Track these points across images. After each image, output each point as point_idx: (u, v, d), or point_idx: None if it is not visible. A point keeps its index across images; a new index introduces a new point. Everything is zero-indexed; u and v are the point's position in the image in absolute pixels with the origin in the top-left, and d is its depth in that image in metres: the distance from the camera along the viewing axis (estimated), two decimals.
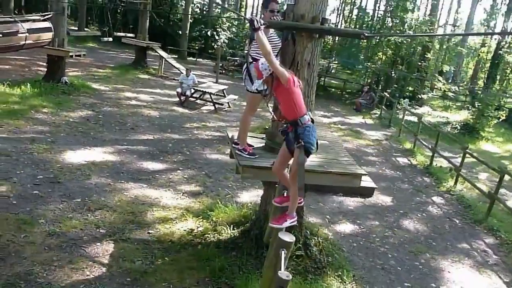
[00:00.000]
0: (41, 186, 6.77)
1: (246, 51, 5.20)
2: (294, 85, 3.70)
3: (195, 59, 28.07)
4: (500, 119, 19.06)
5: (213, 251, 5.56)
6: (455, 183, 10.51)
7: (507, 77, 29.13)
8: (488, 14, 38.85)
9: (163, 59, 20.30)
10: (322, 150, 5.66)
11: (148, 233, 5.96)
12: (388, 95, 19.49)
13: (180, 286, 4.93)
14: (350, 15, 42.22)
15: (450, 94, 25.89)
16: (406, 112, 16.72)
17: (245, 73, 4.87)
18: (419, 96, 23.83)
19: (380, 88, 22.65)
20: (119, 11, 29.34)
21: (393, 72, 22.70)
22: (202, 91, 14.99)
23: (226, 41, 30.85)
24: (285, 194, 4.15)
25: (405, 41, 22.16)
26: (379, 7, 32.40)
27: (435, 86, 28.15)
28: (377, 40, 24.13)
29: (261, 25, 3.75)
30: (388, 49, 23.14)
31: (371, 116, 19.13)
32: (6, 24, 10.97)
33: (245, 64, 4.96)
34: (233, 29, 33.09)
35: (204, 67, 26.02)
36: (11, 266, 4.75)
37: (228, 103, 15.38)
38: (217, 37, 30.72)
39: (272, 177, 4.86)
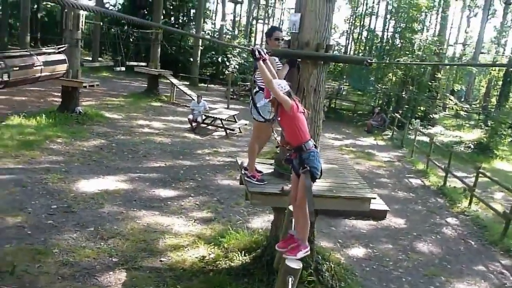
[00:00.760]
0: (55, 215, 6.88)
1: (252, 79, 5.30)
2: (298, 111, 3.73)
3: (206, 85, 28.47)
4: None
5: (224, 278, 5.55)
6: (470, 203, 10.38)
7: None
8: (498, 32, 38.94)
9: (175, 86, 20.65)
10: (331, 174, 5.71)
11: (160, 261, 5.99)
12: (399, 116, 19.48)
13: None
14: (360, 37, 42.63)
15: (462, 113, 25.71)
16: (418, 133, 16.65)
17: (251, 101, 4.97)
18: (431, 116, 23.73)
19: (391, 109, 22.66)
20: (131, 40, 30.07)
21: (403, 93, 22.71)
22: (213, 117, 15.17)
23: (237, 66, 31.30)
24: (290, 233, 4.12)
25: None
26: (387, 28, 32.64)
27: (448, 106, 28.07)
28: (386, 64, 24.27)
29: (263, 55, 3.83)
30: (398, 70, 23.21)
31: (383, 137, 19.09)
32: (22, 58, 11.32)
33: (251, 92, 5.07)
34: (244, 55, 33.58)
35: (215, 93, 26.37)
36: None
37: (239, 128, 15.52)
38: (227, 63, 31.20)
39: (281, 203, 4.90)
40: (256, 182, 4.98)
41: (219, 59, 31.65)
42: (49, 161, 9.50)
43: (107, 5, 36.22)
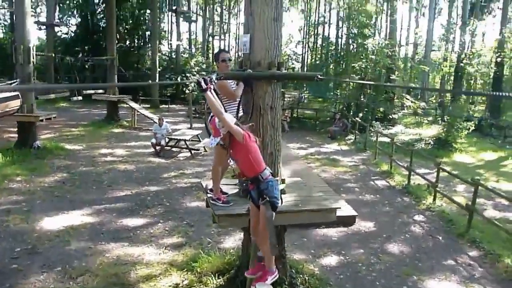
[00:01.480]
0: (19, 259, 6.65)
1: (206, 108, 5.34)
2: (250, 140, 3.74)
3: (167, 106, 28.29)
4: (470, 130, 19.56)
5: None
6: (434, 199, 10.69)
7: (471, 88, 30.20)
8: (445, 30, 40.60)
9: (135, 111, 20.42)
10: (296, 187, 5.77)
11: None
12: (360, 120, 19.91)
13: None
14: (315, 45, 43.47)
15: (419, 111, 26.54)
16: (379, 134, 17.05)
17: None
18: (391, 117, 24.39)
19: (351, 113, 23.14)
20: (87, 67, 29.63)
21: (362, 97, 23.27)
22: (177, 138, 15.08)
23: (196, 85, 31.24)
24: (256, 262, 4.13)
25: (369, 66, 22.86)
26: (341, 35, 33.45)
27: (405, 104, 28.95)
28: (342, 68, 24.89)
29: (209, 83, 3.85)
30: (354, 75, 23.79)
31: (346, 142, 19.45)
32: None
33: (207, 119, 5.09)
34: (203, 73, 33.56)
35: (178, 113, 26.24)
36: None
37: (203, 147, 15.47)
38: (187, 83, 31.11)
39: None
40: (222, 205, 4.98)
41: (178, 79, 31.57)
42: (9, 201, 9.19)
43: (59, 33, 35.57)
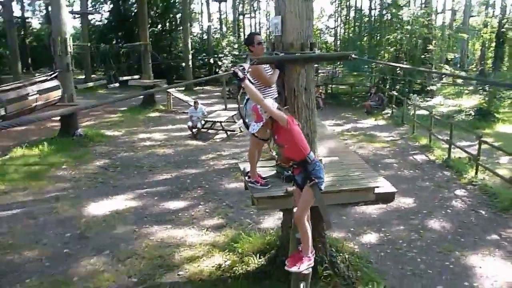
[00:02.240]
0: (70, 244, 7.01)
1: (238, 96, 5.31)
2: (293, 123, 3.73)
3: (202, 88, 28.49)
4: None
5: (243, 284, 5.66)
6: (476, 173, 10.40)
7: None
8: None
9: (171, 95, 20.70)
10: (333, 167, 5.78)
11: (178, 275, 6.09)
12: (396, 93, 19.46)
13: None
14: (348, 18, 42.45)
15: (459, 80, 25.63)
16: (417, 108, 16.62)
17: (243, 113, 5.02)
18: (428, 89, 23.65)
19: (387, 87, 22.61)
20: (121, 54, 30.12)
21: (398, 69, 22.65)
22: (212, 121, 15.25)
23: (230, 65, 31.31)
24: (299, 248, 4.14)
25: (404, 38, 22.18)
26: (374, 7, 32.48)
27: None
28: (377, 41, 24.23)
29: (246, 72, 3.82)
30: (389, 47, 23.14)
31: (383, 116, 19.09)
32: (16, 90, 11.43)
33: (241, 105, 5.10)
34: (235, 52, 33.49)
35: (212, 95, 26.42)
36: None
37: (239, 128, 15.56)
38: (220, 63, 31.21)
39: (288, 204, 4.96)
40: (260, 187, 5.05)
41: (211, 60, 31.67)
42: (57, 189, 9.63)
43: (92, 21, 36.24)
